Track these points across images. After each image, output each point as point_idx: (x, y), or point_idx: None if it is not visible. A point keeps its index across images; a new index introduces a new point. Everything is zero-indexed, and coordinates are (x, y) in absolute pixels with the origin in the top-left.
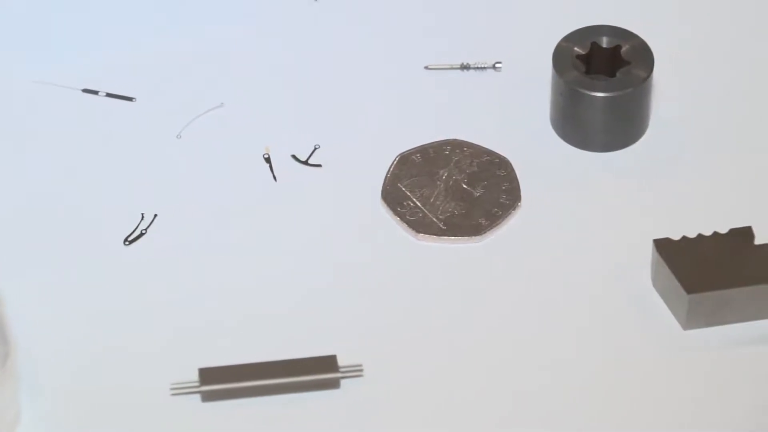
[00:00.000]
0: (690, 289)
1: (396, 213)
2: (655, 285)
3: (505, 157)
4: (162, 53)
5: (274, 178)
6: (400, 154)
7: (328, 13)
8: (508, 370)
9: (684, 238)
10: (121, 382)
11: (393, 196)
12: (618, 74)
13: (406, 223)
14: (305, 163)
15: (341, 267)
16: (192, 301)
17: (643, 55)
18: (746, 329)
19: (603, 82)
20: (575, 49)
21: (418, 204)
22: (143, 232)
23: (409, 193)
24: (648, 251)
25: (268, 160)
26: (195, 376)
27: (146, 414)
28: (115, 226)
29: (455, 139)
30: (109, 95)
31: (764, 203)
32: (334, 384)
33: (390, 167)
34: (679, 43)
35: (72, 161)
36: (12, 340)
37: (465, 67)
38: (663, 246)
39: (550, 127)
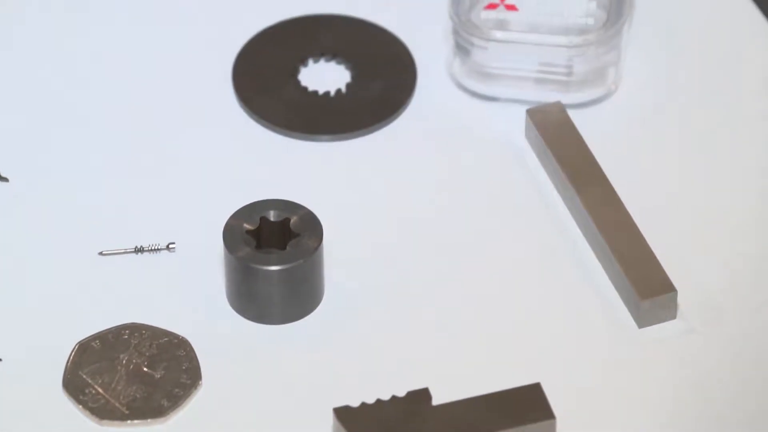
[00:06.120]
0: None
1: (78, 401)
2: None
3: (183, 337)
4: None
5: None
6: (79, 342)
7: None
8: None
9: (363, 404)
10: None
11: (74, 384)
12: (288, 246)
13: (89, 411)
14: None
15: None
16: None
17: (312, 226)
18: None
19: (274, 256)
20: (245, 225)
21: (100, 390)
22: None
23: (90, 381)
24: (330, 420)
25: None
26: None
27: None
28: None
29: (134, 323)
30: None
31: (439, 363)
32: None
33: (70, 356)
34: (345, 211)
35: None
36: None
37: (139, 251)
38: (343, 414)
39: (228, 304)
